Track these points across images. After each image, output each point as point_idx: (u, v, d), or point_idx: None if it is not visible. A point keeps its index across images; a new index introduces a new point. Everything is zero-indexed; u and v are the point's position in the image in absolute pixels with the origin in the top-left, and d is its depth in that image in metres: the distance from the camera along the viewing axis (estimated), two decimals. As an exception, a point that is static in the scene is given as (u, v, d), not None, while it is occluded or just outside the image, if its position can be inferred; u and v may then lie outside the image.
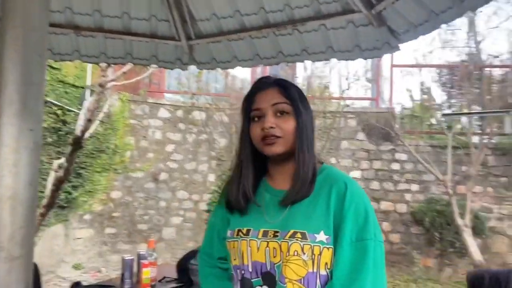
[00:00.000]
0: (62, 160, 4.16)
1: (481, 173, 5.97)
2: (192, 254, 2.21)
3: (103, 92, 3.99)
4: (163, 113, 6.82)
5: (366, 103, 7.88)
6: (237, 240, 1.16)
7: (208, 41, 2.69)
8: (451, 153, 5.46)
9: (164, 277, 2.27)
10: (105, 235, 6.29)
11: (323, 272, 1.08)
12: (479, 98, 5.89)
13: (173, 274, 2.29)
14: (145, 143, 6.68)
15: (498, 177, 6.14)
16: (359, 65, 7.10)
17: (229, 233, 1.20)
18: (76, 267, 5.88)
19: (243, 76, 7.13)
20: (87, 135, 4.58)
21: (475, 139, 5.73)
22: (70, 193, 5.85)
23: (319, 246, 1.08)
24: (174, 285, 2.16)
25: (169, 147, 6.78)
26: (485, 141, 5.30)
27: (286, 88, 1.20)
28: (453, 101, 8.14)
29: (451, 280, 5.97)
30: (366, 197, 1.16)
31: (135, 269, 2.12)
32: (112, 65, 3.84)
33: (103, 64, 3.79)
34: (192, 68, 3.17)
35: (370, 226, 1.10)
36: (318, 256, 1.07)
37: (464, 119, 6.54)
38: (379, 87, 6.86)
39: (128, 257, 2.11)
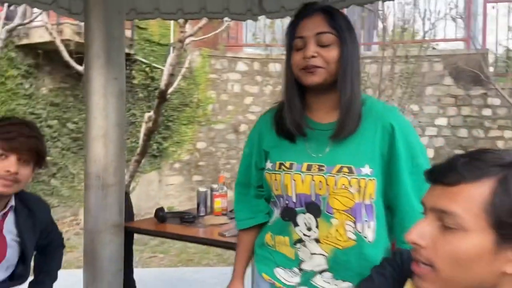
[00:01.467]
0: (151, 112, 4.58)
1: None
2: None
3: (182, 48, 4.26)
4: (241, 66, 7.03)
5: (454, 45, 7.30)
6: (280, 173, 1.17)
7: (277, -10, 2.73)
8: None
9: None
10: (193, 182, 6.85)
11: (367, 202, 1.13)
12: None
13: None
14: (225, 96, 6.99)
15: None
16: (446, 3, 6.50)
17: (269, 165, 1.21)
18: (170, 210, 6.56)
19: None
20: (171, 89, 4.96)
21: None
22: (161, 144, 6.43)
23: (364, 179, 1.11)
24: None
25: (248, 100, 7.03)
26: None
27: (332, 15, 1.13)
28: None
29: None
30: (410, 125, 1.18)
31: (208, 202, 2.40)
32: (189, 20, 4.05)
33: (181, 20, 4.02)
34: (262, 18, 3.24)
35: (419, 152, 1.14)
36: (364, 189, 1.11)
37: None
38: (470, 26, 6.28)
39: (202, 189, 2.39)
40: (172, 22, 6.44)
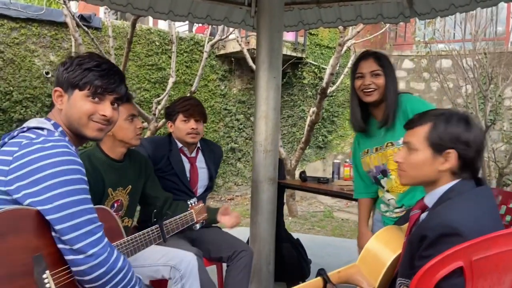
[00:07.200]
0: (314, 107, 5.37)
1: None
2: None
3: (341, 50, 4.91)
4: (407, 64, 7.24)
5: None
6: (364, 157, 1.96)
7: (425, -6, 3.11)
8: None
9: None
10: (355, 173, 7.41)
11: None
12: None
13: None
14: (389, 94, 7.31)
15: None
16: None
17: (359, 153, 1.99)
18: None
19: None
20: (333, 87, 5.67)
21: None
22: (326, 137, 7.20)
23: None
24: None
25: (413, 96, 7.19)
26: None
27: (379, 58, 1.86)
28: None
29: None
30: (420, 102, 1.79)
31: (341, 170, 3.05)
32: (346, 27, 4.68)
33: (340, 27, 4.69)
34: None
35: None
36: None
37: None
38: None
39: (336, 161, 3.05)
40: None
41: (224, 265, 2.19)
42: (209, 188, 2.37)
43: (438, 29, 6.51)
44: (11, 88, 5.32)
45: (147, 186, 1.93)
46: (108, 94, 1.19)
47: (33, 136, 1.08)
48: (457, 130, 1.16)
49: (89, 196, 1.09)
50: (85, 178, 1.09)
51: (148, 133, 4.83)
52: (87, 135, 1.19)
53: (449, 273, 1.02)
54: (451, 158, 1.18)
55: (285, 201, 5.96)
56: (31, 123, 1.14)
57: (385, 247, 1.28)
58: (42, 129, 1.12)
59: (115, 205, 1.79)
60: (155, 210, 1.71)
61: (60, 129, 1.16)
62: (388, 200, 1.88)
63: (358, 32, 4.91)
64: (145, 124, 4.93)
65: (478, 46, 5.95)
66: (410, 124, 1.27)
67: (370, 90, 1.82)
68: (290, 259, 2.83)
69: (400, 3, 3.33)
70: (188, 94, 5.08)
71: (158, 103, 4.98)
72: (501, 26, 7.25)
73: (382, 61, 1.86)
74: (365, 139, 1.95)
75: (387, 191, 1.88)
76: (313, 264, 3.18)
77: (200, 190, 2.28)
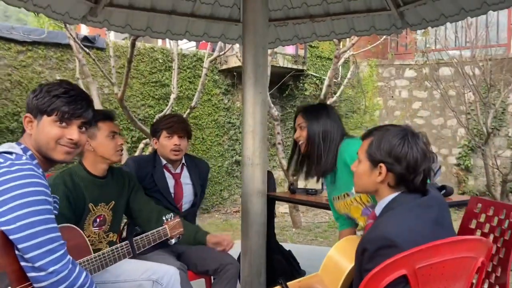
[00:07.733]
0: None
1: None
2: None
3: (338, 62, 4.97)
4: (409, 73, 7.25)
5: None
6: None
7: (416, 5, 3.07)
8: None
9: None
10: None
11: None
12: None
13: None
14: (392, 103, 7.32)
15: None
16: None
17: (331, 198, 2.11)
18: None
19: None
20: (334, 98, 5.72)
21: None
22: (330, 147, 7.22)
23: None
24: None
25: (416, 105, 7.19)
26: None
27: (306, 112, 2.05)
28: None
29: None
30: (352, 145, 1.81)
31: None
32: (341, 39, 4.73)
33: (335, 40, 4.75)
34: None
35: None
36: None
37: None
38: None
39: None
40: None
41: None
42: (195, 204, 2.42)
43: (438, 38, 6.53)
44: (19, 109, 5.49)
45: (131, 201, 2.00)
46: (75, 119, 1.27)
47: (2, 160, 1.17)
48: (389, 146, 1.22)
49: (52, 216, 1.16)
50: (50, 199, 1.16)
51: (150, 149, 4.93)
52: (56, 158, 1.26)
53: (394, 282, 1.06)
54: (383, 172, 1.23)
55: (288, 212, 5.99)
56: (2, 148, 1.22)
57: (344, 256, 1.32)
58: (11, 153, 1.20)
59: (98, 220, 1.86)
60: (125, 226, 1.76)
61: (29, 153, 1.24)
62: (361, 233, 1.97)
63: (353, 44, 4.97)
64: (148, 140, 5.04)
65: (478, 53, 5.94)
66: (362, 137, 1.33)
67: (300, 142, 2.00)
68: (281, 270, 2.86)
69: (392, 15, 3.38)
70: (188, 110, 5.18)
71: (160, 119, 5.09)
72: (504, 31, 7.22)
73: (307, 113, 2.02)
74: (329, 186, 2.08)
75: (358, 230, 1.98)
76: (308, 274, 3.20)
77: (185, 206, 2.34)
